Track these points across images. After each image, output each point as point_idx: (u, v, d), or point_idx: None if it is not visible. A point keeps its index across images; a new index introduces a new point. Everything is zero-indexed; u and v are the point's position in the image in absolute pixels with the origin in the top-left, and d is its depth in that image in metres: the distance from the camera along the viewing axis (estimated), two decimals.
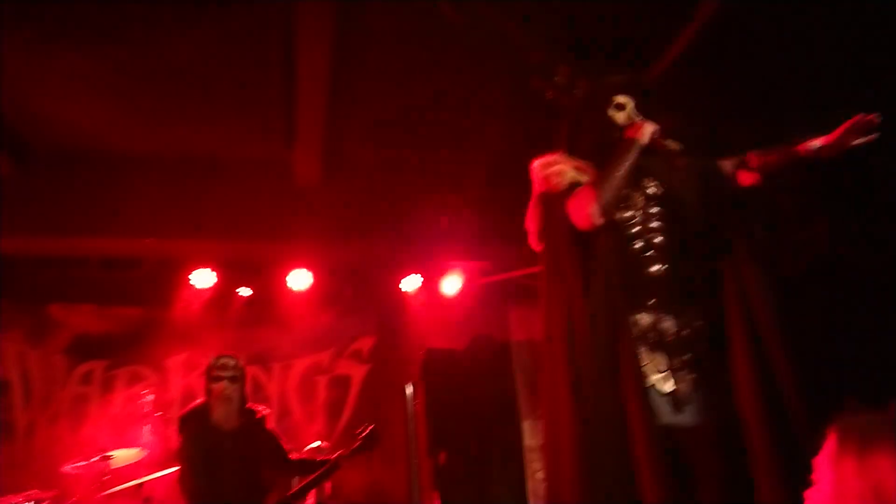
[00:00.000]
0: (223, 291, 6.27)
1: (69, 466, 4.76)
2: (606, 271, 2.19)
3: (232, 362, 4.01)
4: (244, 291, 6.31)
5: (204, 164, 5.59)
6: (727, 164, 2.39)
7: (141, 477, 4.77)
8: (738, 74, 4.32)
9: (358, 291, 6.84)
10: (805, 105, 3.99)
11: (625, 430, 2.00)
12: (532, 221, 2.42)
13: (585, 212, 2.20)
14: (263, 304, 6.45)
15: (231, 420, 3.97)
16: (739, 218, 2.32)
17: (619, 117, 2.35)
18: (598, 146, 2.35)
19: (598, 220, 2.21)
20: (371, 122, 5.18)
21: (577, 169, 2.35)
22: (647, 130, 2.28)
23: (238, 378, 4.01)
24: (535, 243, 2.45)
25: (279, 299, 6.43)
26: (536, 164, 2.38)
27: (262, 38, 4.25)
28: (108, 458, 4.58)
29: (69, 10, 3.94)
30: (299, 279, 6.31)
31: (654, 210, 2.31)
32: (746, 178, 2.33)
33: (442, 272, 6.82)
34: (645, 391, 2.08)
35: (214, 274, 6.12)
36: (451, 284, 6.86)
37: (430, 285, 6.82)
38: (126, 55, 4.35)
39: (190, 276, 6.06)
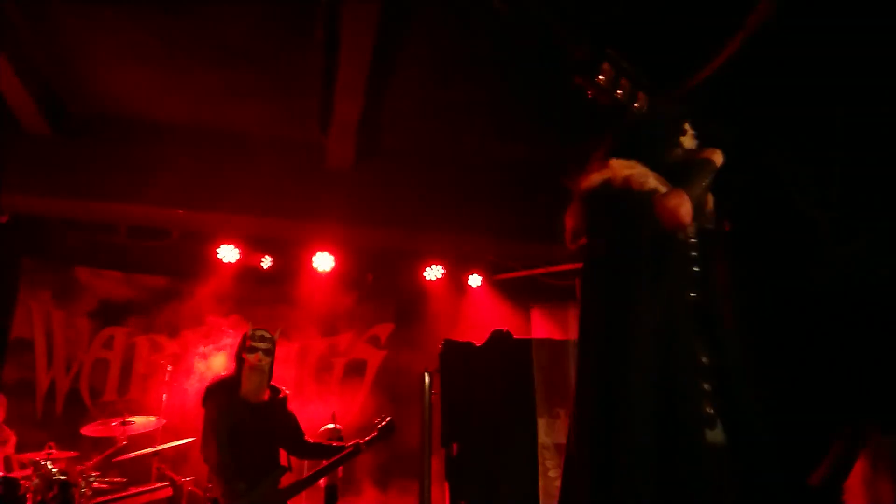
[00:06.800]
0: (247, 268, 6.32)
1: (88, 429, 4.84)
2: (678, 281, 2.26)
3: (268, 335, 4.04)
4: (266, 262, 6.34)
5: (238, 140, 5.61)
6: None
7: (157, 444, 4.84)
8: (783, 86, 4.26)
9: (379, 278, 6.86)
10: (845, 123, 3.93)
11: (663, 441, 2.02)
12: (574, 218, 2.44)
13: (683, 210, 2.25)
14: (285, 283, 6.49)
15: (259, 394, 4.00)
16: None
17: (687, 141, 2.50)
18: (660, 162, 2.43)
19: (688, 222, 2.28)
20: (408, 111, 5.17)
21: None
22: (720, 158, 2.39)
23: (271, 351, 4.04)
24: (570, 240, 2.49)
25: (302, 279, 6.47)
26: (616, 163, 2.40)
27: (308, 19, 4.25)
28: (128, 423, 4.65)
29: None
30: (323, 261, 6.34)
31: (693, 240, 2.40)
32: None
33: (465, 265, 6.83)
34: (697, 406, 2.13)
35: (238, 250, 6.17)
36: (474, 278, 6.87)
37: (452, 277, 6.83)
38: (173, 27, 4.37)
39: (217, 251, 6.11)
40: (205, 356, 6.31)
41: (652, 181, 2.33)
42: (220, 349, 6.19)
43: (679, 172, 2.38)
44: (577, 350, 2.37)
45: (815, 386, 3.58)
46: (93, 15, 4.30)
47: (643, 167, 2.37)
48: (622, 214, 2.32)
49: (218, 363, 5.98)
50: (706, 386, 2.18)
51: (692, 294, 2.28)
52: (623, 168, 2.36)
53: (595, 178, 2.40)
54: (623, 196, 2.32)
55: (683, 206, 2.24)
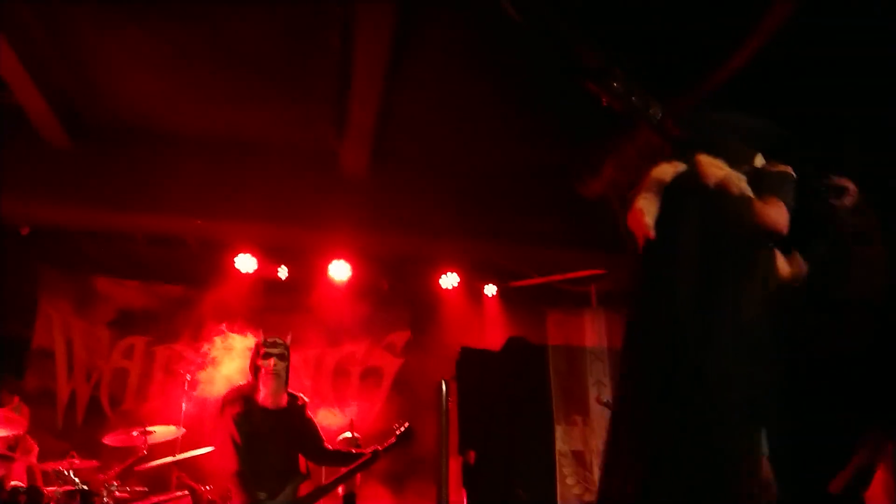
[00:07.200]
0: (263, 276, 6.35)
1: (109, 438, 4.87)
2: (769, 289, 2.25)
3: (280, 341, 4.08)
4: (283, 272, 6.37)
5: (253, 148, 5.64)
6: None
7: (177, 453, 4.86)
8: (799, 87, 4.23)
9: (395, 285, 6.87)
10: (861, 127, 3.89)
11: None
12: (647, 208, 2.35)
13: (783, 220, 2.26)
14: (301, 292, 6.51)
15: (277, 400, 4.02)
16: None
17: (758, 160, 2.47)
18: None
19: (786, 233, 2.28)
20: (423, 116, 5.19)
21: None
22: (793, 173, 2.39)
23: (285, 357, 4.07)
24: (647, 230, 2.36)
25: (317, 287, 6.48)
26: (706, 160, 2.33)
27: (322, 25, 4.28)
28: (148, 432, 4.67)
29: None
30: (339, 269, 6.36)
31: None
32: None
33: (480, 272, 6.82)
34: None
35: (256, 260, 6.20)
36: (489, 287, 6.87)
37: (468, 284, 6.83)
38: (186, 35, 4.41)
39: (235, 260, 6.14)
40: (222, 365, 6.35)
41: (746, 186, 2.29)
42: (237, 358, 6.21)
43: (754, 186, 2.34)
44: (629, 346, 2.32)
45: (832, 391, 3.53)
46: (109, 25, 4.35)
47: (731, 169, 2.31)
48: (716, 214, 2.26)
49: (235, 372, 6.00)
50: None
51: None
52: (714, 167, 2.30)
53: (667, 170, 2.34)
54: (718, 196, 2.26)
55: (784, 216, 2.24)
